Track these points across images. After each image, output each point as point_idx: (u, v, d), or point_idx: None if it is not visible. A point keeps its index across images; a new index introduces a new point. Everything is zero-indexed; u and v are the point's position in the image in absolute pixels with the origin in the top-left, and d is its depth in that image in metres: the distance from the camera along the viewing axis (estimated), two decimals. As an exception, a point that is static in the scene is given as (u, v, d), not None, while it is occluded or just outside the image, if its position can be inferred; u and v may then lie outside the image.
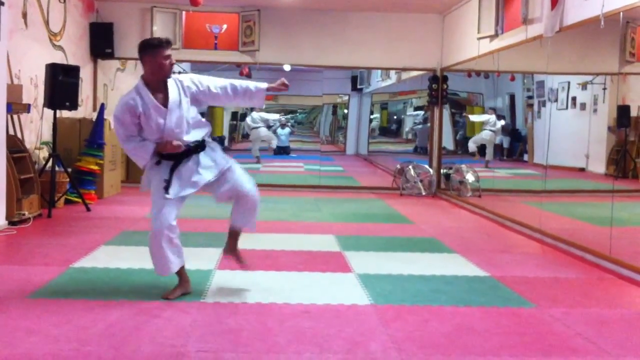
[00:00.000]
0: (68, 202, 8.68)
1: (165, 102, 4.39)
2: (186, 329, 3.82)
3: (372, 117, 19.55)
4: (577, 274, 5.62)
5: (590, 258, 6.11)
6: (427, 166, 11.65)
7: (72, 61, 9.78)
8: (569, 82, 8.80)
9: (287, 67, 12.18)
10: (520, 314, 4.35)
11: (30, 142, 8.41)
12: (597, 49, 7.46)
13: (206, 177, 4.53)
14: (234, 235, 4.83)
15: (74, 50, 10.11)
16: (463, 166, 10.84)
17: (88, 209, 8.29)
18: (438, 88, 11.55)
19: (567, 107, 8.86)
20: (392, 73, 14.99)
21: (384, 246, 6.64)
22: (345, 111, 20.59)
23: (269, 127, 17.53)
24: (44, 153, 8.53)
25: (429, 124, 12.29)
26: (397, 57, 11.61)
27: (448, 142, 12.33)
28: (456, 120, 12.95)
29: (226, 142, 18.09)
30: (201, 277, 5.03)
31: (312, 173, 13.68)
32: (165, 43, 4.41)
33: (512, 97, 11.10)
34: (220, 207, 5.09)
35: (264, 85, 4.79)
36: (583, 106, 8.62)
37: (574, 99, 8.76)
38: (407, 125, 17.05)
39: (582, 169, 8.52)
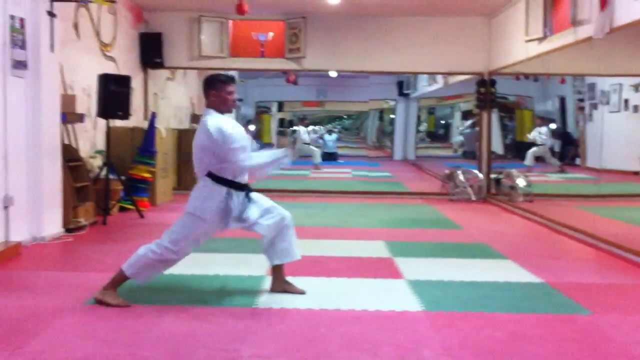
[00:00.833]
0: (122, 209, 8.86)
1: None
2: (239, 334, 3.86)
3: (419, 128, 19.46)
4: (634, 280, 5.49)
5: (647, 264, 5.96)
6: (476, 171, 11.53)
7: (123, 71, 9.98)
8: (621, 84, 8.64)
9: (333, 74, 12.23)
10: (576, 321, 4.27)
11: (84, 151, 8.62)
12: (649, 49, 7.31)
13: (253, 214, 4.56)
14: (279, 270, 4.85)
15: (124, 60, 10.33)
16: (514, 171, 10.69)
17: (141, 216, 8.45)
18: (486, 92, 11.41)
19: (619, 110, 8.70)
20: (439, 77, 14.91)
21: (434, 252, 6.59)
22: (392, 116, 20.54)
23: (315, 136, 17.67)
24: (98, 161, 8.72)
25: (477, 128, 12.16)
26: (443, 61, 11.52)
27: (497, 147, 12.19)
28: (505, 124, 12.81)
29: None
30: (253, 283, 5.08)
31: (360, 179, 13.69)
32: (230, 79, 4.56)
33: (563, 100, 10.94)
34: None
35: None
36: (636, 108, 8.44)
37: (626, 101, 8.59)
38: (455, 134, 16.92)
39: (636, 173, 8.33)
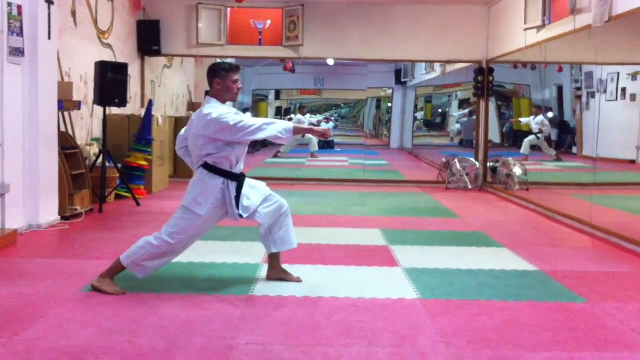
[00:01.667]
0: (118, 197, 8.86)
1: None
2: (235, 321, 3.87)
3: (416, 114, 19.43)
4: (629, 268, 5.52)
5: (643, 252, 5.99)
6: (473, 159, 11.54)
7: (120, 59, 9.96)
8: (618, 73, 8.62)
9: (330, 62, 12.20)
10: (571, 308, 4.29)
11: (81, 138, 8.61)
12: (648, 38, 7.29)
13: (255, 201, 4.57)
14: (275, 258, 4.86)
15: (122, 47, 10.30)
16: (510, 159, 10.70)
17: (138, 204, 8.45)
18: (484, 80, 11.41)
19: (616, 98, 8.68)
20: (437, 66, 14.88)
21: (431, 240, 6.61)
22: (390, 105, 20.52)
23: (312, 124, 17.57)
24: (95, 149, 8.71)
25: (474, 117, 12.16)
26: (442, 49, 11.51)
27: (494, 135, 12.19)
28: (502, 112, 12.79)
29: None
30: (249, 271, 5.09)
31: (357, 167, 13.68)
32: (235, 68, 4.53)
33: (560, 89, 10.91)
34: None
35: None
36: (633, 97, 8.44)
37: (623, 89, 8.58)
38: (452, 123, 16.91)
39: (632, 161, 8.34)
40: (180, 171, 11.30)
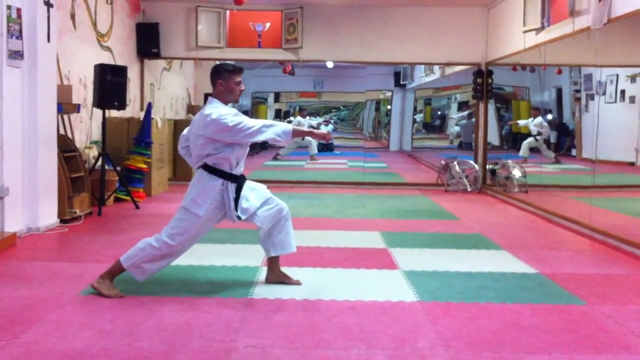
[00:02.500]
0: (117, 200, 8.86)
1: None
2: (234, 324, 3.87)
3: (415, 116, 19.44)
4: (628, 271, 5.52)
5: (642, 254, 5.99)
6: (472, 162, 11.54)
7: (119, 61, 9.97)
8: (617, 75, 8.63)
9: (330, 64, 12.20)
10: (571, 311, 4.29)
11: (80, 141, 8.61)
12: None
13: (254, 203, 4.57)
14: (274, 261, 4.85)
15: (121, 50, 10.30)
16: (509, 161, 10.71)
17: (137, 207, 8.44)
18: (483, 82, 11.41)
19: (615, 100, 8.70)
20: (436, 68, 14.89)
21: (430, 242, 6.61)
22: (389, 107, 20.54)
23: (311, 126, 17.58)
24: (94, 152, 8.71)
25: (473, 119, 12.17)
26: (441, 51, 11.52)
27: (493, 138, 12.20)
28: (501, 115, 12.81)
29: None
30: (248, 274, 5.09)
31: (356, 169, 13.70)
32: (239, 70, 4.53)
33: (559, 91, 10.93)
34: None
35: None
36: (632, 99, 8.45)
37: (622, 91, 8.59)
38: (451, 126, 16.93)
39: (631, 164, 8.35)
40: (179, 174, 11.30)
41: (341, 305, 4.31)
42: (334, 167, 15.53)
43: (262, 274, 5.03)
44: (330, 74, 18.07)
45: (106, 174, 8.21)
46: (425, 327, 3.89)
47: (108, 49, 9.74)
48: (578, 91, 10.15)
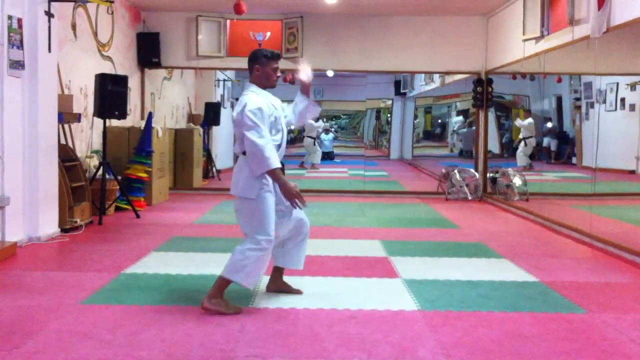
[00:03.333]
0: (118, 209, 8.86)
1: None
2: (235, 334, 3.87)
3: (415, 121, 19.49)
4: (629, 279, 5.51)
5: (643, 262, 5.98)
6: (472, 170, 11.55)
7: (120, 71, 9.99)
8: (617, 83, 8.65)
9: (330, 73, 12.22)
10: (571, 319, 4.28)
11: (81, 150, 8.62)
12: (646, 48, 7.32)
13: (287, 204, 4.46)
14: (278, 271, 4.83)
15: (121, 60, 10.33)
16: (510, 170, 10.71)
17: (137, 216, 8.44)
18: (483, 91, 11.43)
19: (616, 109, 8.71)
20: (436, 77, 14.93)
21: (430, 251, 6.60)
22: (389, 116, 20.57)
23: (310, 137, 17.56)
24: (94, 161, 8.72)
25: (474, 128, 12.18)
26: (440, 60, 11.55)
27: (494, 146, 12.21)
28: (502, 123, 12.83)
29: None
30: (249, 283, 5.08)
31: (357, 178, 13.70)
32: (276, 56, 4.53)
33: (559, 99, 10.96)
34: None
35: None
36: (632, 107, 8.46)
37: (622, 100, 8.61)
38: (450, 132, 16.99)
39: (632, 172, 8.35)
40: (180, 183, 11.31)
41: (341, 314, 4.31)
42: (334, 176, 15.54)
43: (263, 283, 5.03)
44: (330, 83, 18.11)
45: (107, 183, 8.21)
46: (426, 336, 3.89)
47: (109, 58, 9.77)
48: (578, 99, 10.17)
